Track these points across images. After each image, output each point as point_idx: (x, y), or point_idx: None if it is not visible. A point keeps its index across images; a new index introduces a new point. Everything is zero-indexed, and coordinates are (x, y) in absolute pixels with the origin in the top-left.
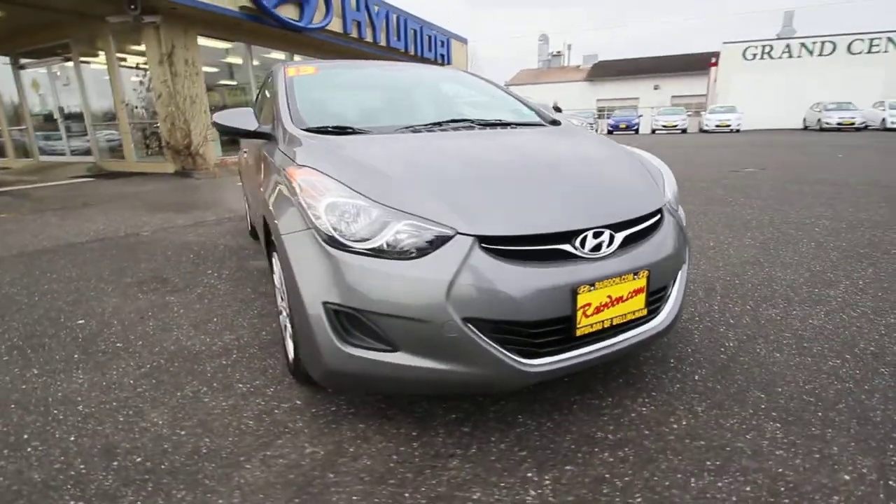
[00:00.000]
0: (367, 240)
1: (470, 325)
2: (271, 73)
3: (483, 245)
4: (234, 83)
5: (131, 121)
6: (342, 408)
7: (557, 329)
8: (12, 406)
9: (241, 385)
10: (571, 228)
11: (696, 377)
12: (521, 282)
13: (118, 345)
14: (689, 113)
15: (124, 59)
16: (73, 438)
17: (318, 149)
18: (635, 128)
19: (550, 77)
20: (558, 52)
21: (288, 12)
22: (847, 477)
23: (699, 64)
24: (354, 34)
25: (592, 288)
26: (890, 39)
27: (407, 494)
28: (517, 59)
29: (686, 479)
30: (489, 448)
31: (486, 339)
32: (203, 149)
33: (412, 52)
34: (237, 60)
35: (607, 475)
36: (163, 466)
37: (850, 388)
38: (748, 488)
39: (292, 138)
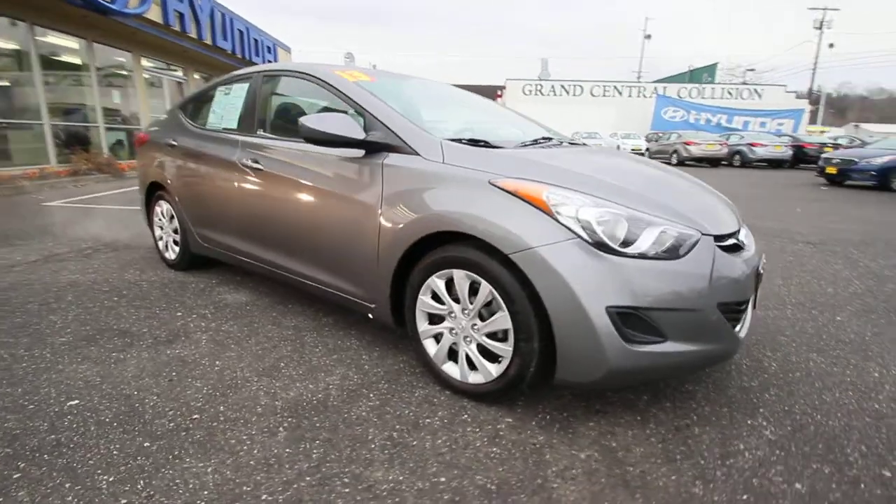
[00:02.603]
0: (631, 243)
1: (719, 309)
2: (274, 76)
3: (716, 243)
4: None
5: None
6: (554, 414)
7: (746, 304)
8: None
9: (429, 420)
10: (738, 227)
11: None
12: (742, 269)
13: (194, 417)
14: None
15: None
16: None
17: (514, 161)
18: None
19: None
20: None
21: None
22: (853, 336)
23: (489, 94)
24: (177, 27)
25: (761, 270)
26: (615, 87)
27: (699, 455)
28: None
29: (822, 393)
30: (701, 412)
31: (726, 318)
32: None
33: (239, 55)
34: (10, 45)
35: (785, 407)
36: None
37: (819, 321)
38: (849, 371)
39: (456, 152)
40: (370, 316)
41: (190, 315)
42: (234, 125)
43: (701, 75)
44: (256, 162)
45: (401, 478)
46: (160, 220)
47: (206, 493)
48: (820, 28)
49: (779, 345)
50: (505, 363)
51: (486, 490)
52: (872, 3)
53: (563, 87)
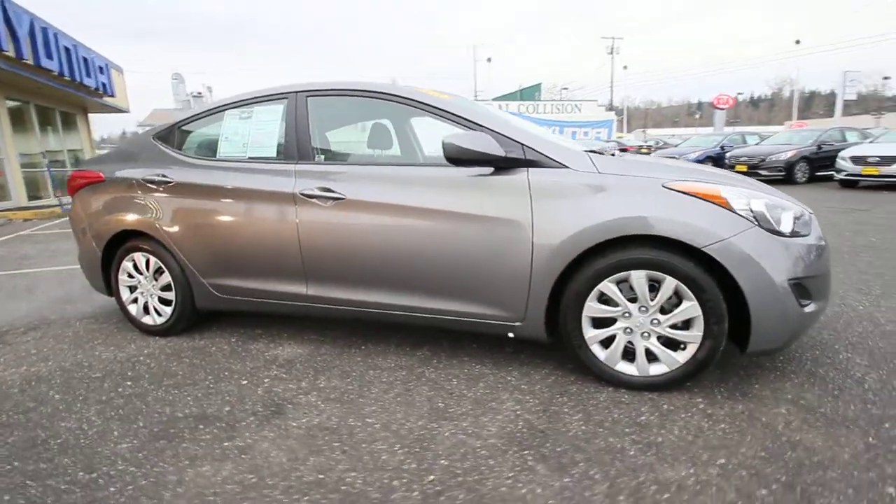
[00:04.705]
0: (780, 224)
1: None
2: (325, 96)
3: None
4: None
5: None
6: (724, 384)
7: None
8: None
9: (643, 417)
10: None
11: None
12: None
13: (429, 478)
14: None
15: None
16: None
17: (660, 167)
18: None
19: None
20: (199, 93)
21: None
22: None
23: None
24: None
25: None
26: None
27: (865, 393)
28: (144, 98)
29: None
30: (823, 360)
31: None
32: None
33: (68, 77)
34: None
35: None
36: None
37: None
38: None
39: (607, 162)
40: (510, 335)
41: (260, 381)
42: (272, 153)
43: (532, 93)
44: (329, 191)
45: (691, 470)
46: (132, 277)
47: None
48: (611, 53)
49: None
50: (692, 348)
51: (763, 458)
52: (646, 34)
53: None
